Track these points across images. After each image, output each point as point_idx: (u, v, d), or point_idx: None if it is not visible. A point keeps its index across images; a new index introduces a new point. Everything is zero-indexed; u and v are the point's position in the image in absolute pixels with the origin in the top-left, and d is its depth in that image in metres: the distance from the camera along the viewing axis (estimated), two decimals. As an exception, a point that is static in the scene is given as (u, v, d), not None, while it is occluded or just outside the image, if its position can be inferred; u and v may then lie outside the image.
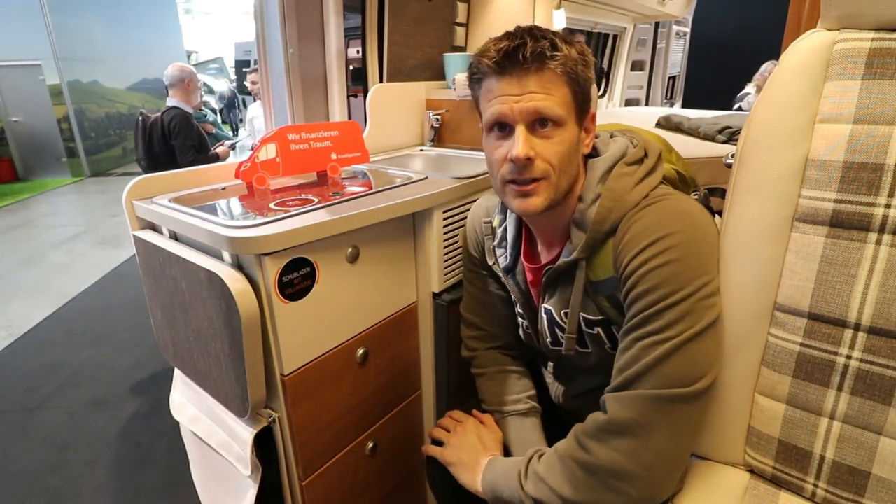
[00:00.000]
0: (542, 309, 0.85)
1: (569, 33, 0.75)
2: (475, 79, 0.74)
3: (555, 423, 0.92)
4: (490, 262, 0.92)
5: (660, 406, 0.63)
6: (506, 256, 0.88)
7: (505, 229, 0.88)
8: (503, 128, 0.71)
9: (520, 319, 0.93)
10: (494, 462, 0.81)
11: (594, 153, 0.78)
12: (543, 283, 0.82)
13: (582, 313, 0.78)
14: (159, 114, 2.52)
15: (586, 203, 0.73)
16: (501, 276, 0.90)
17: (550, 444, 0.77)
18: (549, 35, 0.68)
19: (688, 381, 0.63)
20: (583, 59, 0.70)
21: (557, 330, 0.84)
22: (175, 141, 2.48)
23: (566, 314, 0.80)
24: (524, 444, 0.87)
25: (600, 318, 0.77)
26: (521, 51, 0.66)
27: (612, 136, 0.81)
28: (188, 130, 2.50)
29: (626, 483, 0.64)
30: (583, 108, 0.72)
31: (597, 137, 0.80)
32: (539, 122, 0.69)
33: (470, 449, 0.86)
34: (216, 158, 2.71)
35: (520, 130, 0.69)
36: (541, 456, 0.75)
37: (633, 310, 0.66)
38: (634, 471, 0.63)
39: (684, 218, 0.66)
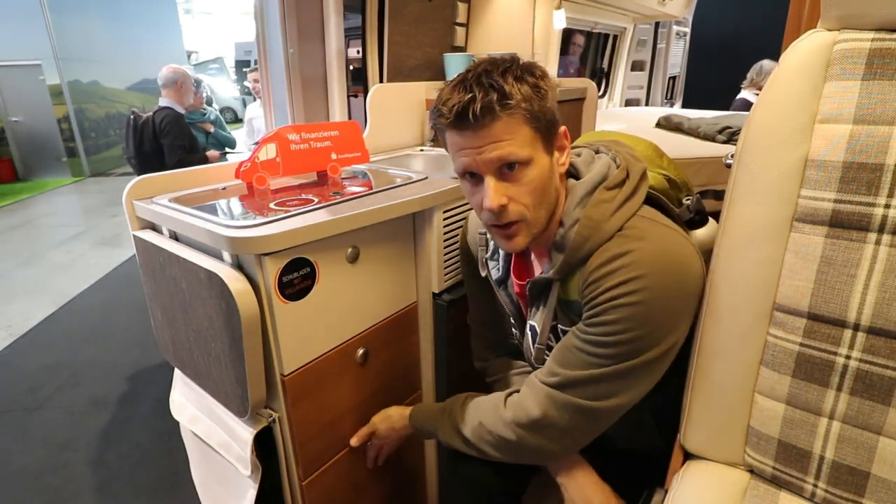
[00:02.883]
0: (528, 325, 0.86)
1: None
2: (438, 128, 0.74)
3: None
4: (483, 274, 0.94)
5: (590, 413, 0.73)
6: (498, 269, 0.90)
7: None
8: (474, 175, 0.73)
9: (513, 331, 0.94)
10: (416, 412, 0.98)
11: (576, 174, 0.78)
12: (528, 296, 0.83)
13: (559, 325, 0.81)
14: (151, 113, 2.53)
15: (565, 227, 0.74)
16: (494, 287, 0.92)
17: None
18: (497, 80, 0.66)
19: (616, 397, 0.72)
20: (538, 93, 0.68)
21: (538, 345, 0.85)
22: (164, 140, 2.49)
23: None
24: None
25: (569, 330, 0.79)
26: (472, 107, 0.65)
27: (596, 153, 0.80)
28: (178, 130, 2.51)
29: (545, 454, 0.80)
30: (549, 133, 0.71)
31: (578, 156, 0.80)
32: (506, 167, 0.69)
33: (381, 428, 1.04)
34: (205, 160, 2.72)
35: (488, 181, 0.70)
36: (462, 411, 0.87)
37: (591, 330, 0.71)
38: (556, 450, 0.79)
39: (662, 262, 0.67)
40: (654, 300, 0.66)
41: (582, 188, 0.74)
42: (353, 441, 1.07)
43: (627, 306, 0.66)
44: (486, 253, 0.92)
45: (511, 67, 0.68)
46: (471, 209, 1.06)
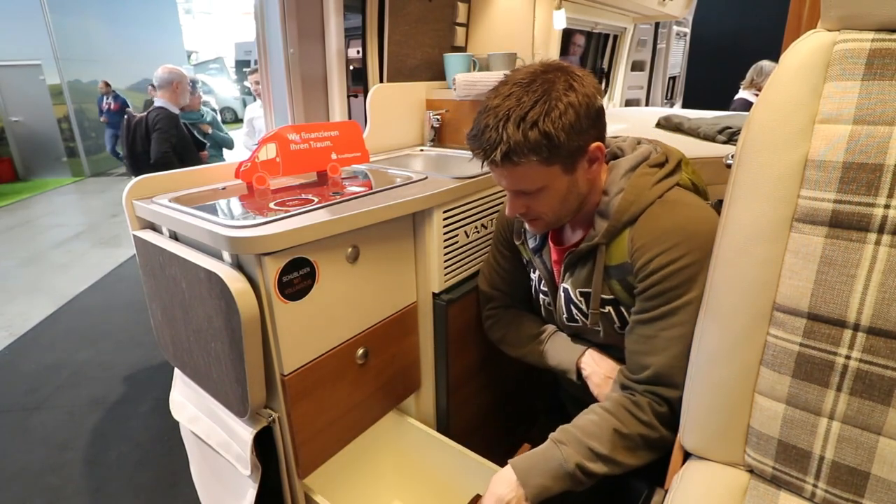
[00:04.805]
0: (561, 288, 0.94)
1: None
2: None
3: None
4: (518, 242, 1.02)
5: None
6: (535, 238, 0.98)
7: None
8: None
9: (542, 297, 1.02)
10: (520, 465, 0.81)
11: (619, 154, 0.88)
12: (565, 263, 0.91)
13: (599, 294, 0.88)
14: (144, 113, 2.53)
15: (610, 196, 0.83)
16: (529, 255, 1.00)
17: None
18: (508, 136, 0.73)
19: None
20: (549, 141, 0.73)
21: (573, 307, 0.93)
22: (153, 133, 2.47)
23: (580, 293, 0.90)
24: (560, 350, 0.99)
25: (611, 297, 0.87)
26: (491, 156, 0.76)
27: (638, 143, 0.91)
28: (169, 128, 2.50)
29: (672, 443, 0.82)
30: (570, 160, 0.78)
31: (624, 141, 0.90)
32: (523, 193, 0.81)
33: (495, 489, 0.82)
34: (200, 162, 2.71)
35: (508, 195, 0.84)
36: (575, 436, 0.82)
37: (658, 301, 0.78)
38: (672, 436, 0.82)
39: (700, 225, 0.77)
40: (703, 259, 0.75)
41: (627, 163, 0.85)
42: None
43: (681, 270, 0.76)
44: (524, 224, 0.99)
45: (527, 114, 0.72)
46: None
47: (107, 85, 7.18)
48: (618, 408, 0.82)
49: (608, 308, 0.89)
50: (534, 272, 1.02)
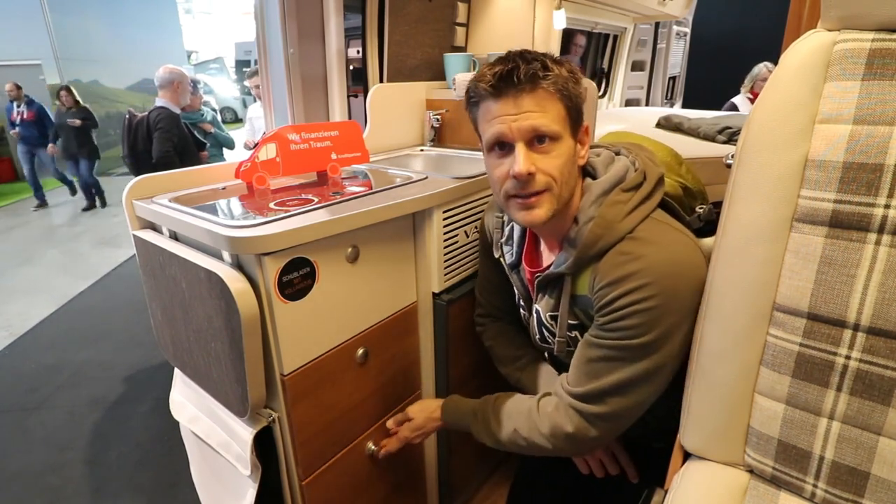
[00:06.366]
0: (534, 309, 0.91)
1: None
2: (472, 102, 0.77)
3: None
4: (497, 255, 0.99)
5: (618, 416, 0.79)
6: (512, 253, 0.94)
7: (513, 227, 0.94)
8: (503, 146, 0.75)
9: (522, 311, 1.00)
10: (448, 408, 1.00)
11: (593, 173, 0.81)
12: (536, 285, 0.88)
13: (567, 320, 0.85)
14: (146, 113, 2.53)
15: (580, 224, 0.77)
16: (508, 270, 0.97)
17: None
18: (539, 57, 0.72)
19: (641, 393, 0.77)
20: (573, 77, 0.74)
21: (544, 330, 0.90)
22: (155, 133, 2.48)
23: (551, 317, 0.87)
24: (533, 383, 1.01)
25: (577, 322, 0.84)
26: (515, 73, 0.70)
27: (617, 154, 0.83)
28: (171, 127, 2.51)
29: (578, 454, 0.93)
30: (576, 122, 0.76)
31: (598, 156, 0.83)
32: (537, 139, 0.73)
33: (418, 417, 1.04)
34: (199, 161, 2.71)
35: (520, 148, 0.73)
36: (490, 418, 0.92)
37: (612, 335, 0.75)
38: (587, 452, 0.92)
39: (672, 268, 0.72)
40: (666, 304, 0.71)
41: (598, 188, 0.77)
42: (390, 423, 1.09)
43: (644, 312, 0.71)
44: (502, 237, 0.97)
45: (547, 55, 0.73)
46: (482, 205, 1.19)
47: (17, 88, 5.58)
48: (528, 413, 0.87)
49: (575, 333, 0.86)
50: (514, 286, 1.00)
